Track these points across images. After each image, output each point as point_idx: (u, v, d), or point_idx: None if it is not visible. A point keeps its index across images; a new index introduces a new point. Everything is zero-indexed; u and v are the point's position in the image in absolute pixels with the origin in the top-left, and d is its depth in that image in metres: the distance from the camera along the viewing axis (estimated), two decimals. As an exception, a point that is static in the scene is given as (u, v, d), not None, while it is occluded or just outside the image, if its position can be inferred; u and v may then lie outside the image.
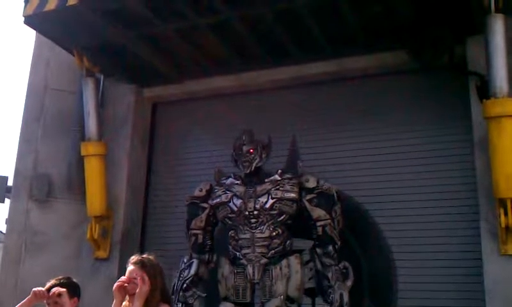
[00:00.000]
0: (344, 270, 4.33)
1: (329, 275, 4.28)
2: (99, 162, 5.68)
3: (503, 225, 4.19)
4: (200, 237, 4.68)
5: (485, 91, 4.35)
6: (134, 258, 3.11)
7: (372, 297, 4.86)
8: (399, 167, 5.00)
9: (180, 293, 4.55)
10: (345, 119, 5.34)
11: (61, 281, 3.43)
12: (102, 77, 6.04)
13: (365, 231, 5.01)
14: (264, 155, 4.57)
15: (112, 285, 5.38)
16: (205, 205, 4.69)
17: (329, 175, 4.88)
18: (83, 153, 5.70)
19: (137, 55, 5.44)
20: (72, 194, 5.91)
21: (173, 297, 4.58)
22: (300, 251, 4.49)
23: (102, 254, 5.73)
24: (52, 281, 3.40)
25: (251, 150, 4.54)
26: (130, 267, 3.07)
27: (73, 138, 5.95)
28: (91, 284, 5.68)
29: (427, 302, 4.66)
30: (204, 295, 4.58)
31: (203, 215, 4.69)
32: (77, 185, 5.87)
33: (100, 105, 5.89)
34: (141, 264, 3.04)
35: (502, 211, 4.19)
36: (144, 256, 3.13)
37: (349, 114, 5.33)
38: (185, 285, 4.57)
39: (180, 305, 4.53)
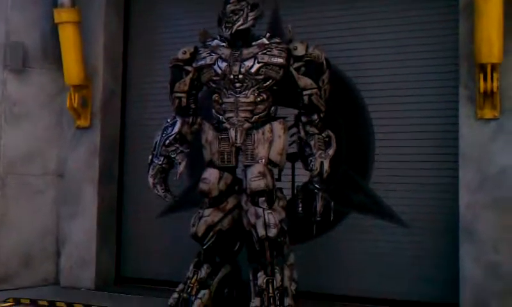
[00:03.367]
0: (327, 139, 4.39)
1: (312, 143, 4.34)
2: (74, 30, 5.51)
3: (481, 90, 4.27)
4: (184, 100, 4.64)
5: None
6: None
7: (349, 164, 5.01)
8: (382, 33, 4.95)
9: (163, 148, 4.58)
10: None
11: None
12: None
13: (347, 100, 5.06)
14: (250, 17, 4.40)
15: (95, 153, 5.60)
16: (188, 68, 4.59)
17: (314, 42, 4.84)
18: (56, 20, 5.51)
19: None
20: (48, 64, 5.78)
21: (154, 152, 4.65)
22: (284, 118, 4.53)
23: (83, 123, 5.73)
24: None
25: (236, 10, 4.36)
26: None
27: (44, 5, 5.72)
28: (74, 152, 5.75)
29: (402, 166, 4.85)
30: (187, 150, 4.63)
31: (187, 79, 4.62)
32: (52, 54, 5.73)
33: (72, -30, 5.60)
34: None
35: (481, 76, 4.25)
36: None
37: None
38: (167, 141, 4.59)
39: (162, 159, 4.60)
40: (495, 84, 4.23)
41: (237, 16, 4.37)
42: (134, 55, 6.02)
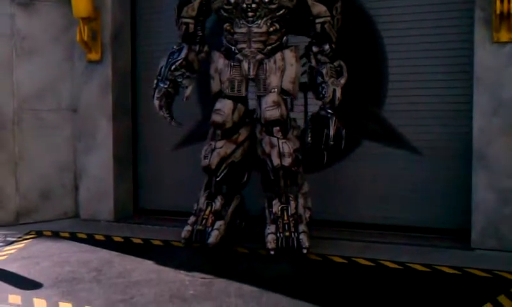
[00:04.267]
0: (338, 68, 4.33)
1: (324, 71, 4.28)
2: (80, -41, 5.41)
3: (498, 11, 4.15)
4: (191, 27, 4.56)
5: None
6: None
7: (361, 92, 4.95)
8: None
9: (168, 72, 4.51)
10: None
11: None
12: None
13: (360, 27, 4.94)
14: None
15: (107, 87, 5.60)
16: None
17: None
18: (61, -50, 5.41)
19: None
20: (55, -4, 5.71)
21: (159, 77, 4.59)
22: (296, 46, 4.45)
23: (94, 56, 5.70)
24: None
25: None
26: None
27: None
28: (86, 86, 5.75)
29: (417, 92, 4.79)
30: (193, 75, 4.59)
31: (195, 3, 4.52)
32: (59, -14, 5.66)
33: None
34: None
35: (498, -3, 4.13)
36: None
37: None
38: (174, 66, 4.52)
39: (168, 83, 4.55)
40: (512, 5, 4.11)
41: None
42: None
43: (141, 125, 5.95)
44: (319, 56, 4.34)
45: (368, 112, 4.98)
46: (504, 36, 4.24)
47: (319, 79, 4.31)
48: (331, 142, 4.21)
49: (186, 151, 5.63)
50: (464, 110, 4.56)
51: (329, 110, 4.22)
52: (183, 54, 4.52)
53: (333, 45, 4.34)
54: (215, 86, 4.50)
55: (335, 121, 4.21)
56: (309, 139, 4.33)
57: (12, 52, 5.58)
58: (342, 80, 4.30)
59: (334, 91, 4.23)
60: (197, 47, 4.59)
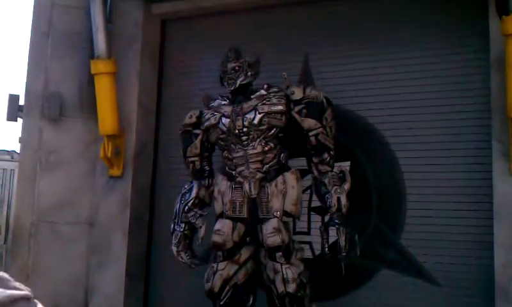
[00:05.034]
0: (341, 175, 4.32)
1: (326, 181, 4.28)
2: (109, 80, 5.64)
3: (515, 144, 4.14)
4: (197, 164, 4.73)
5: (505, 6, 4.17)
6: None
7: (380, 218, 4.88)
8: (411, 86, 4.89)
9: (183, 215, 4.64)
10: (356, 37, 5.17)
11: None
12: (109, -8, 5.89)
13: (375, 151, 4.98)
14: (250, 73, 4.50)
15: (127, 202, 5.64)
16: (197, 131, 4.71)
17: (341, 95, 4.82)
18: (93, 71, 5.64)
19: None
20: (83, 113, 5.91)
21: (175, 220, 4.68)
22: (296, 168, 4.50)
23: (116, 172, 5.80)
24: None
25: (236, 67, 4.46)
26: None
27: (82, 56, 5.89)
28: (107, 201, 5.81)
29: (435, 221, 4.70)
30: (205, 213, 4.65)
31: (197, 142, 4.72)
32: (88, 104, 5.86)
33: (108, 21, 5.78)
34: None
35: (515, 131, 4.13)
36: None
37: (361, 31, 5.16)
38: (186, 207, 4.65)
39: (183, 225, 4.63)
40: (529, 138, 4.10)
41: (238, 73, 4.47)
42: (167, 104, 6.11)
43: (156, 241, 5.91)
44: (320, 166, 4.37)
45: (387, 238, 4.87)
46: (522, 168, 4.20)
47: (323, 190, 4.31)
48: (344, 253, 4.10)
49: (199, 271, 5.52)
50: (485, 241, 4.42)
51: (336, 221, 4.15)
52: (194, 193, 4.67)
53: (332, 152, 4.37)
54: (218, 207, 4.56)
55: (344, 231, 4.12)
56: (326, 250, 4.22)
57: (37, 165, 5.73)
58: (346, 186, 4.25)
59: (339, 199, 4.19)
60: (206, 182, 4.72)
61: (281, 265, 4.21)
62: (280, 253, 4.22)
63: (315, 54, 5.32)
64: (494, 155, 4.31)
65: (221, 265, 4.42)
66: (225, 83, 4.53)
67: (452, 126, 4.70)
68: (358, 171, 4.77)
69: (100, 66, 5.63)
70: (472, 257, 4.55)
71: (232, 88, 4.48)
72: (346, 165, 4.73)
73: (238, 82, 4.46)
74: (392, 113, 4.94)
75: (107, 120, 5.65)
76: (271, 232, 4.24)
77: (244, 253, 4.48)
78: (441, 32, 4.87)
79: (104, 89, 5.65)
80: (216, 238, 4.43)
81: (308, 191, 4.93)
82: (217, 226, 4.46)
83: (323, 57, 5.28)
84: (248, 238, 4.51)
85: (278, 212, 4.30)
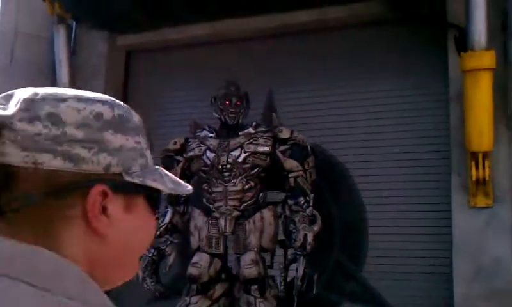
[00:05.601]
0: (312, 217, 4.31)
1: (296, 219, 4.26)
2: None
3: (474, 178, 4.22)
4: None
5: (463, 43, 4.31)
6: None
7: (343, 251, 4.90)
8: (374, 119, 4.98)
9: (154, 239, 4.53)
10: (321, 71, 5.27)
11: None
12: (74, 24, 5.87)
13: (339, 184, 5.02)
14: (246, 109, 4.52)
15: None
16: (179, 158, 4.64)
17: (306, 127, 4.87)
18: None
19: (109, 2, 5.25)
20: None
21: None
22: (274, 203, 4.49)
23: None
24: None
25: (239, 102, 4.46)
26: None
27: (45, 86, 5.80)
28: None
29: (397, 253, 4.74)
30: (176, 241, 4.58)
31: (178, 168, 4.65)
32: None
33: (72, 53, 5.76)
34: None
35: (473, 164, 4.21)
36: None
37: (327, 66, 5.26)
38: (158, 232, 4.54)
39: (153, 250, 4.53)
40: (487, 172, 4.19)
41: (240, 109, 4.46)
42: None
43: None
44: (294, 207, 4.36)
45: (348, 271, 4.87)
46: (481, 201, 4.28)
47: (291, 227, 4.28)
48: (299, 283, 4.07)
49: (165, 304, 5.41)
50: (445, 273, 4.47)
51: (298, 252, 4.13)
52: (167, 219, 4.59)
53: (308, 198, 4.37)
54: (195, 242, 4.50)
55: (304, 262, 4.09)
56: (282, 285, 4.21)
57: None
58: (315, 228, 4.23)
59: (305, 235, 4.15)
60: (182, 208, 4.66)
61: (255, 299, 4.15)
62: (255, 286, 4.17)
63: (280, 88, 5.38)
64: (453, 188, 4.40)
65: (194, 299, 4.33)
66: (226, 117, 4.47)
67: (414, 159, 4.79)
68: (322, 204, 4.78)
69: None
70: (433, 289, 4.59)
71: (234, 123, 4.45)
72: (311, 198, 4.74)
73: (240, 118, 4.46)
74: (354, 146, 5.01)
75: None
76: (248, 264, 4.20)
77: (219, 289, 4.41)
78: (402, 68, 5.00)
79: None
80: (192, 270, 4.35)
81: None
82: (195, 258, 4.40)
83: (286, 92, 5.34)
84: (223, 275, 4.46)
85: (255, 248, 4.29)
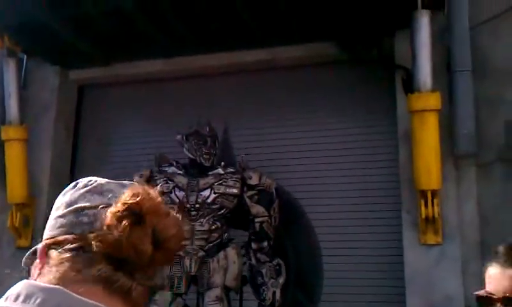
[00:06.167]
0: (277, 267, 4.40)
1: (264, 271, 4.37)
2: (20, 147, 5.44)
3: (423, 216, 4.32)
4: None
5: (410, 85, 4.45)
6: None
7: (298, 288, 4.90)
8: (326, 157, 5.06)
9: None
10: (274, 109, 5.33)
11: None
12: (25, 57, 5.76)
13: (294, 223, 5.04)
14: (218, 150, 4.58)
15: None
16: None
17: (260, 164, 4.89)
18: (3, 137, 5.43)
19: (61, 36, 5.18)
20: (-10, 181, 5.63)
21: None
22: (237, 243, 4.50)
23: (23, 242, 5.48)
24: None
25: (213, 144, 4.51)
26: None
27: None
28: (13, 274, 5.45)
29: (351, 290, 4.76)
30: None
31: None
32: (-5, 171, 5.61)
33: (23, 86, 5.63)
34: None
35: (422, 202, 4.31)
36: None
37: (279, 104, 5.32)
38: None
39: None
40: (436, 210, 4.29)
41: (213, 150, 4.51)
42: (81, 170, 5.93)
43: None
44: (258, 255, 4.44)
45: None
46: (430, 238, 4.38)
47: (259, 280, 4.37)
48: None
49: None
50: (399, 310, 4.52)
51: None
52: None
53: (271, 242, 4.46)
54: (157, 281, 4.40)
55: None
56: None
57: None
58: (281, 280, 4.38)
59: (274, 292, 4.31)
60: None
61: None
62: None
63: (235, 125, 5.39)
64: (404, 225, 4.48)
65: None
66: (200, 157, 4.46)
67: (365, 196, 4.87)
68: (277, 240, 4.78)
69: (11, 133, 5.42)
70: (388, 325, 4.63)
71: (208, 164, 4.46)
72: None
73: (214, 160, 4.48)
74: (307, 183, 5.07)
75: (16, 188, 5.41)
76: (213, 300, 4.20)
77: None
78: (353, 107, 5.11)
79: (14, 156, 5.44)
80: None
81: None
82: (156, 296, 4.32)
83: (241, 128, 5.37)
84: None
85: (219, 287, 4.28)
